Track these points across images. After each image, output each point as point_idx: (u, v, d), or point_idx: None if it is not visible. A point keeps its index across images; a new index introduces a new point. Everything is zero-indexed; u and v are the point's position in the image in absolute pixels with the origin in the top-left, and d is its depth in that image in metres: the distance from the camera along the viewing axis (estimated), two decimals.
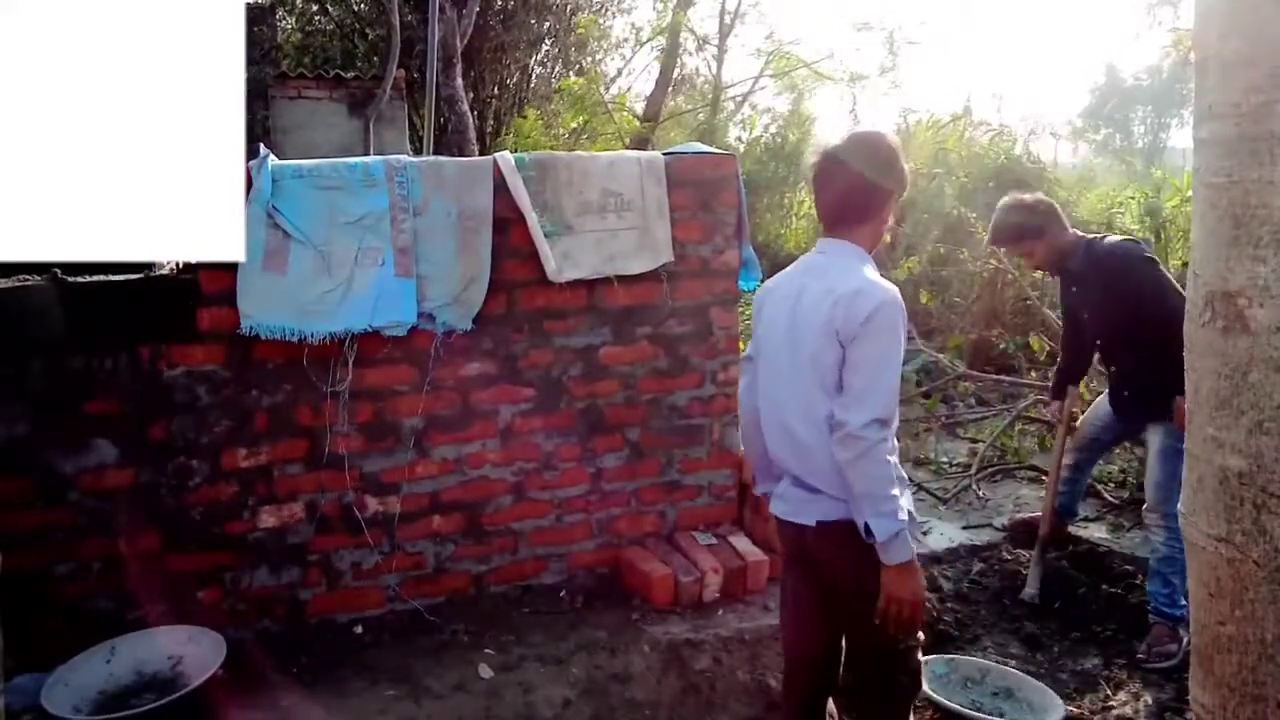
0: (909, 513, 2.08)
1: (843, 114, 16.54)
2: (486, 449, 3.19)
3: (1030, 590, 3.71)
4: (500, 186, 3.06)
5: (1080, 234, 3.61)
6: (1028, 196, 3.60)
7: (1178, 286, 3.19)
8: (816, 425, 2.12)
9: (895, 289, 2.11)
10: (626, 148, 11.29)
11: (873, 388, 2.05)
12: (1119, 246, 3.47)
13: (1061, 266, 3.61)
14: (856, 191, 2.15)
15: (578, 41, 14.26)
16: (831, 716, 2.56)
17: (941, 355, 6.71)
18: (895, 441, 2.11)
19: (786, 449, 2.22)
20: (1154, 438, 3.40)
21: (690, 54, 15.00)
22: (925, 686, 2.86)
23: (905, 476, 2.16)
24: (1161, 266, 3.45)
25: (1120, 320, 3.42)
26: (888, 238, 2.32)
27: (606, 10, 14.99)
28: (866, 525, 2.04)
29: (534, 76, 14.00)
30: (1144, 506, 3.47)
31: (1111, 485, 4.72)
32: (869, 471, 2.03)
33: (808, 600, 2.36)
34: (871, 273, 2.14)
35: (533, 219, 3.07)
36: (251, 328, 2.78)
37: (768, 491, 2.40)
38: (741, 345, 4.18)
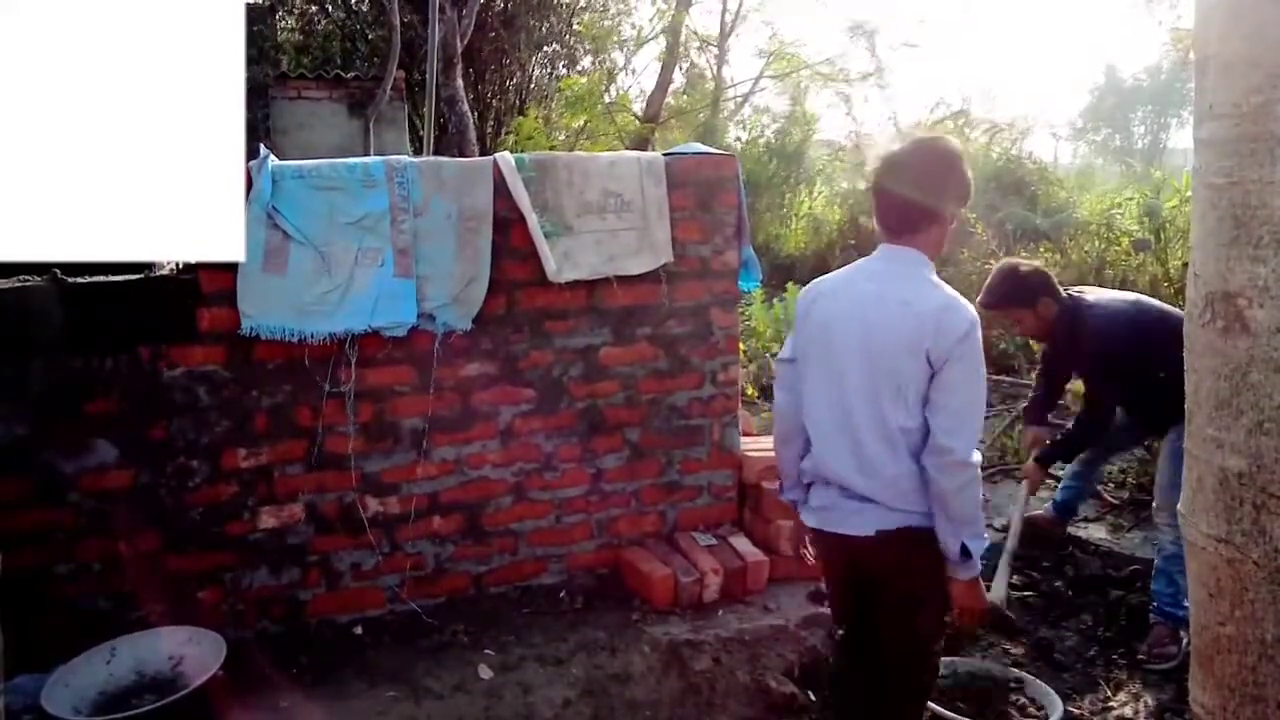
0: None
1: (839, 115, 16.55)
2: (486, 449, 3.19)
3: (995, 596, 3.54)
4: (500, 187, 3.06)
5: (1073, 295, 3.49)
6: (1024, 266, 3.53)
7: (1169, 320, 3.19)
8: (888, 439, 2.11)
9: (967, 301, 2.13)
10: (626, 148, 11.30)
11: (972, 411, 2.09)
12: (1103, 322, 3.36)
13: (1049, 335, 3.58)
14: (920, 199, 2.14)
15: (578, 41, 14.26)
16: None
17: None
18: None
19: (844, 458, 2.17)
20: (1167, 437, 3.39)
21: (691, 56, 15.02)
22: None
23: None
24: (1148, 318, 3.35)
25: (1115, 384, 3.45)
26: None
27: (608, 10, 14.99)
28: (963, 546, 2.08)
29: (534, 77, 14.00)
30: (1154, 505, 3.46)
31: (1111, 485, 4.72)
32: (973, 497, 2.07)
33: (846, 604, 2.39)
34: (944, 285, 2.14)
35: (533, 219, 3.07)
36: (251, 328, 2.78)
37: (795, 500, 2.38)
38: (742, 345, 4.19)
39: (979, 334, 2.07)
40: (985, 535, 2.12)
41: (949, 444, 2.03)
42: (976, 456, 2.07)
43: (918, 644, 2.24)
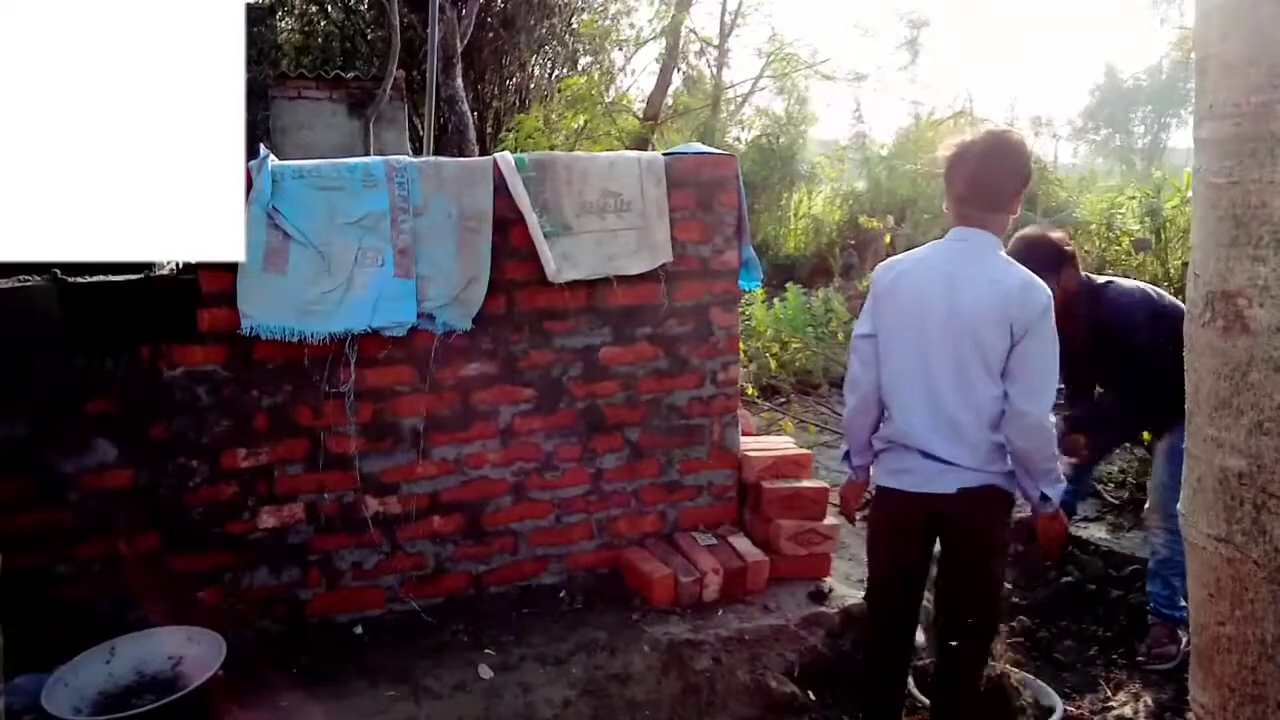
0: None
1: (846, 113, 16.53)
2: (486, 449, 3.19)
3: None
4: (500, 187, 3.06)
5: (1090, 279, 3.40)
6: (1052, 231, 3.40)
7: (1179, 311, 3.12)
8: (975, 407, 2.35)
9: None
10: (626, 148, 11.30)
11: (1047, 378, 2.32)
12: (1122, 302, 3.30)
13: (1068, 311, 3.47)
14: (992, 183, 2.37)
15: (578, 42, 14.26)
16: (912, 697, 2.86)
17: None
18: None
19: (928, 425, 2.40)
20: (1166, 438, 3.33)
21: (690, 57, 15.01)
22: (914, 688, 2.87)
23: None
24: (1162, 304, 3.28)
25: (1126, 375, 3.33)
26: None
27: (607, 10, 14.99)
28: (1042, 493, 2.40)
29: (534, 77, 14.00)
30: (1145, 506, 3.45)
31: (1111, 485, 4.72)
32: (1050, 453, 2.36)
33: (910, 557, 2.60)
34: (1016, 263, 2.40)
35: (533, 219, 3.07)
36: (251, 328, 2.78)
37: (861, 464, 2.69)
38: (742, 345, 4.19)
39: (1053, 308, 2.32)
40: (1062, 480, 2.43)
41: (1025, 407, 2.29)
42: (1051, 418, 2.33)
43: (991, 586, 2.50)
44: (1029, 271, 2.35)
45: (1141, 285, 3.48)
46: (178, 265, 3.00)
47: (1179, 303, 3.30)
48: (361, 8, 13.23)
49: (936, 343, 2.36)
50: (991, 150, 2.37)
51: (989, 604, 2.53)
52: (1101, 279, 3.42)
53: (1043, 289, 2.31)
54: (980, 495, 2.39)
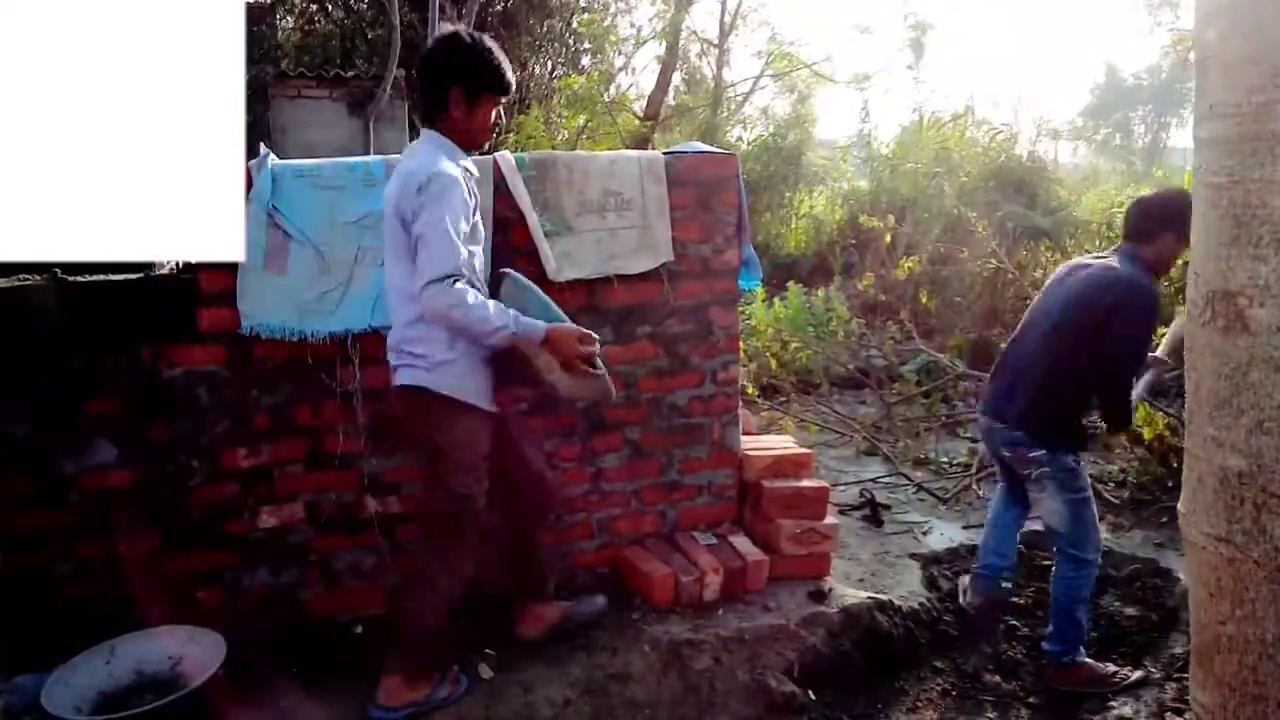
0: None
1: (846, 114, 16.54)
2: None
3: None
4: (500, 186, 3.05)
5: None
6: (1171, 189, 3.32)
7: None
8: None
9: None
10: (627, 147, 11.29)
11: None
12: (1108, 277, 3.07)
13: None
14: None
15: (579, 41, 14.26)
16: None
17: (941, 355, 6.71)
18: None
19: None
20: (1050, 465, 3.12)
21: (691, 57, 15.01)
22: None
23: None
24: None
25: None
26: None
27: (607, 9, 14.99)
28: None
29: (534, 76, 13.99)
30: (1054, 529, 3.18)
31: (1111, 485, 4.72)
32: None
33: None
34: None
35: (533, 219, 3.07)
36: (252, 328, 2.78)
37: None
38: (742, 344, 4.19)
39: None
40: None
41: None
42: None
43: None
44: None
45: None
46: (178, 265, 3.00)
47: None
48: (361, 7, 13.21)
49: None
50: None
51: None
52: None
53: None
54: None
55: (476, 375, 2.48)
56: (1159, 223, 3.05)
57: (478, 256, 2.51)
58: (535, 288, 2.59)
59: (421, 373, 2.44)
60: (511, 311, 2.35)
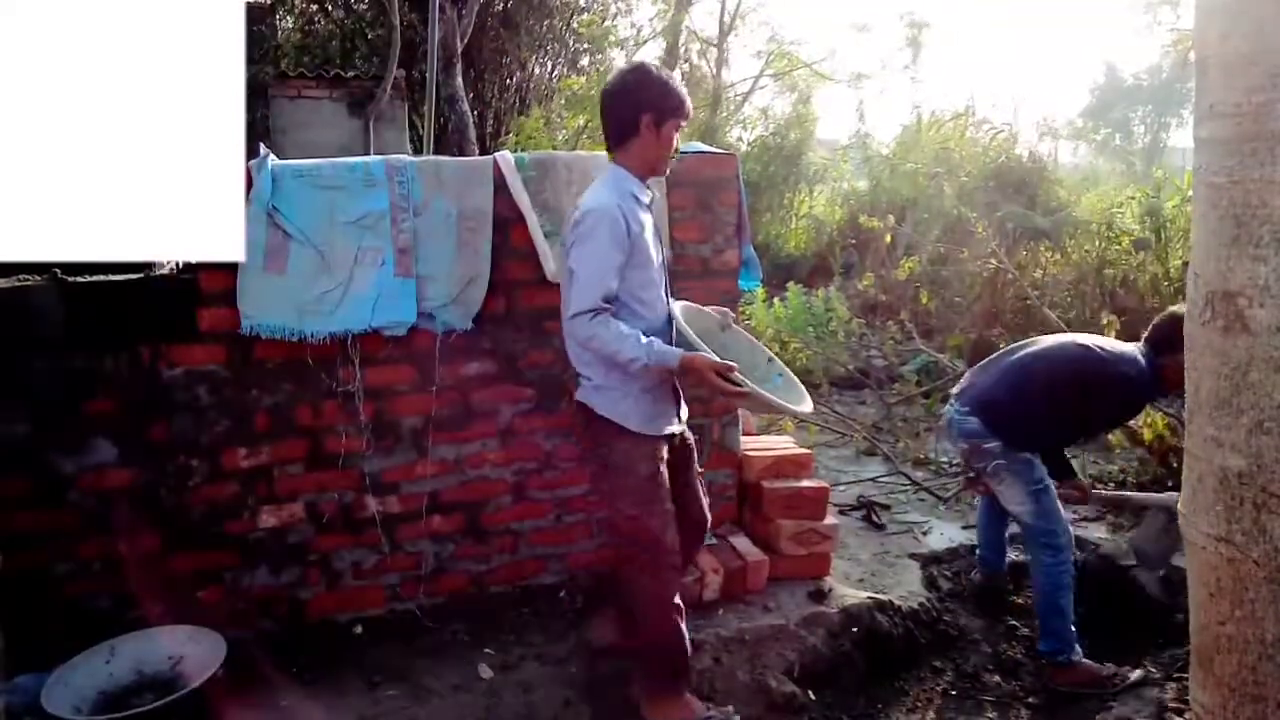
0: None
1: (847, 114, 16.54)
2: (486, 449, 3.19)
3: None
4: (500, 186, 3.05)
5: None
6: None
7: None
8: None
9: None
10: None
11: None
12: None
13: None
14: None
15: (579, 41, 14.26)
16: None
17: (941, 355, 6.71)
18: None
19: None
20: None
21: (691, 57, 15.00)
22: None
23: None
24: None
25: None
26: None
27: (607, 9, 14.99)
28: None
29: (534, 76, 13.99)
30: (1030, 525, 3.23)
31: (1111, 485, 4.72)
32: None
33: None
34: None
35: (533, 219, 3.07)
36: (251, 328, 2.78)
37: None
38: None
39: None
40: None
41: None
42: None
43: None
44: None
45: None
46: (178, 265, 3.00)
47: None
48: (361, 7, 13.20)
49: None
50: None
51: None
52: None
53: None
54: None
55: (632, 400, 2.55)
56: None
57: (655, 279, 2.59)
58: (687, 329, 2.57)
59: (588, 391, 2.57)
60: (647, 341, 2.42)
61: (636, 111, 2.52)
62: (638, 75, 2.58)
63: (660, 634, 2.64)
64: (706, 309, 2.84)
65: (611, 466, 2.58)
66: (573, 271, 2.44)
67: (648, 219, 2.57)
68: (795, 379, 2.87)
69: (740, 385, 2.43)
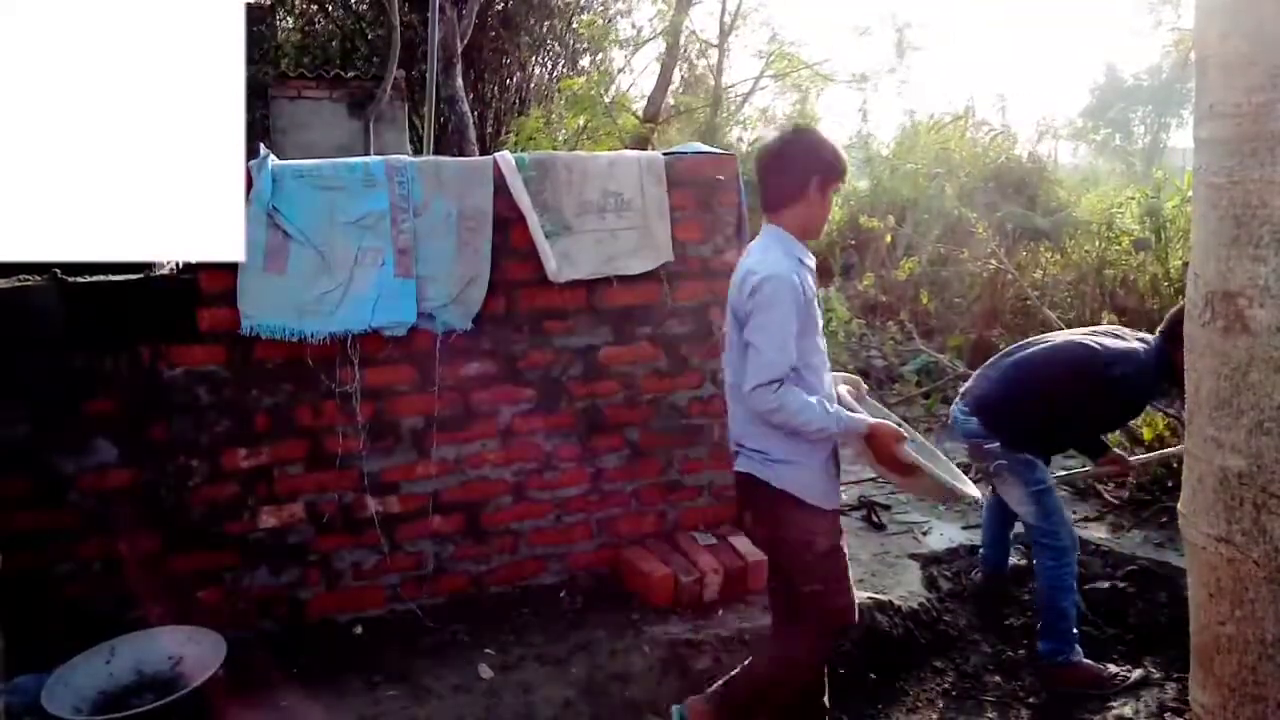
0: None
1: (847, 114, 16.55)
2: (486, 449, 3.19)
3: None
4: (500, 186, 3.06)
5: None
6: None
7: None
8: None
9: None
10: (627, 148, 11.29)
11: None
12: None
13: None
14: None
15: (578, 42, 14.26)
16: None
17: (941, 355, 6.71)
18: None
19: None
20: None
21: (691, 58, 15.00)
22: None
23: None
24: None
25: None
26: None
27: (607, 9, 14.99)
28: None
29: (534, 77, 14.00)
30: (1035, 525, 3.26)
31: (1111, 485, 4.71)
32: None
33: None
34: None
35: (533, 219, 3.07)
36: (251, 328, 2.78)
37: None
38: None
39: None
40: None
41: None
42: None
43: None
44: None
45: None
46: (178, 265, 3.00)
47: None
48: (361, 7, 13.20)
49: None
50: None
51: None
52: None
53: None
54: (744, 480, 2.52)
55: (815, 473, 2.46)
56: None
57: (820, 345, 2.51)
58: (846, 395, 2.55)
59: (758, 465, 2.46)
60: (834, 409, 2.37)
61: (807, 174, 2.44)
62: (810, 139, 2.50)
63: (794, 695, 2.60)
64: (836, 375, 2.67)
65: (789, 543, 2.47)
66: (751, 342, 2.34)
67: (811, 282, 2.49)
68: (935, 450, 2.78)
69: (913, 459, 2.37)
